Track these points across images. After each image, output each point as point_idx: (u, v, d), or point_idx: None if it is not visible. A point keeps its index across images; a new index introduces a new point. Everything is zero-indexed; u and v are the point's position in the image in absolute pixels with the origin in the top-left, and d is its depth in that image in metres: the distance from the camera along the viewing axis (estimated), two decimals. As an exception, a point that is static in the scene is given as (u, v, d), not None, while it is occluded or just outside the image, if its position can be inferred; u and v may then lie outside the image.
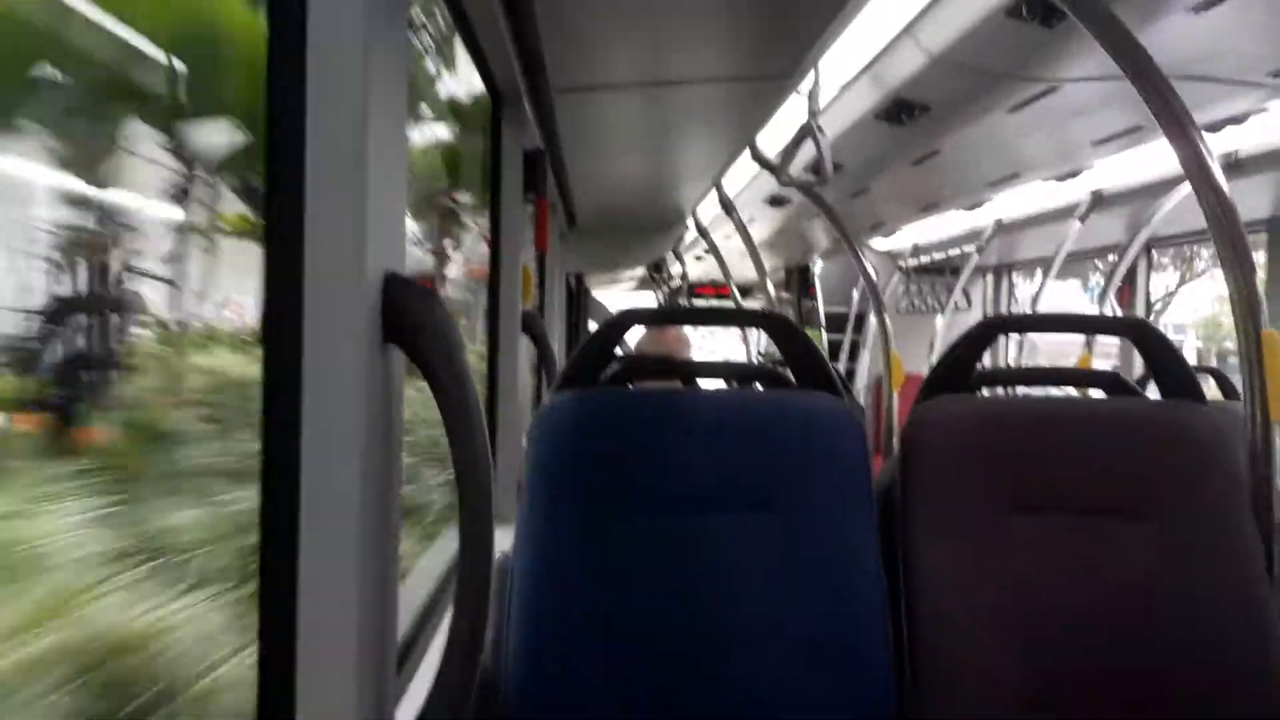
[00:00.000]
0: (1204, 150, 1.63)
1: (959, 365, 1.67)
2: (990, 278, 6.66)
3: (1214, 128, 2.92)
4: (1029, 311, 5.02)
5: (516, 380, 2.36)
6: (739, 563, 1.40)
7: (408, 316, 0.88)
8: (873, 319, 4.90)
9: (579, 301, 7.83)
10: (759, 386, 1.99)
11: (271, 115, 0.86)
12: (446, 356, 0.89)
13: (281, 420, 0.86)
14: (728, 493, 1.42)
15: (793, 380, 1.63)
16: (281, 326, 0.86)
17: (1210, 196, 1.62)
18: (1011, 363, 6.03)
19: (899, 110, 2.79)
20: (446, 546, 2.12)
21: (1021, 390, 3.34)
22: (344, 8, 0.84)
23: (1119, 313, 4.86)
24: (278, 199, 0.86)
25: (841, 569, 1.40)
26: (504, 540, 1.45)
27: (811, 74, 2.55)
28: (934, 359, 5.85)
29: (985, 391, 1.74)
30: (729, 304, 9.99)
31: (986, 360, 6.18)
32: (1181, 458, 1.49)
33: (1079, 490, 1.48)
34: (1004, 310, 6.57)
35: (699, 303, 11.96)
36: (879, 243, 6.68)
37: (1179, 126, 1.64)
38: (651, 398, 1.52)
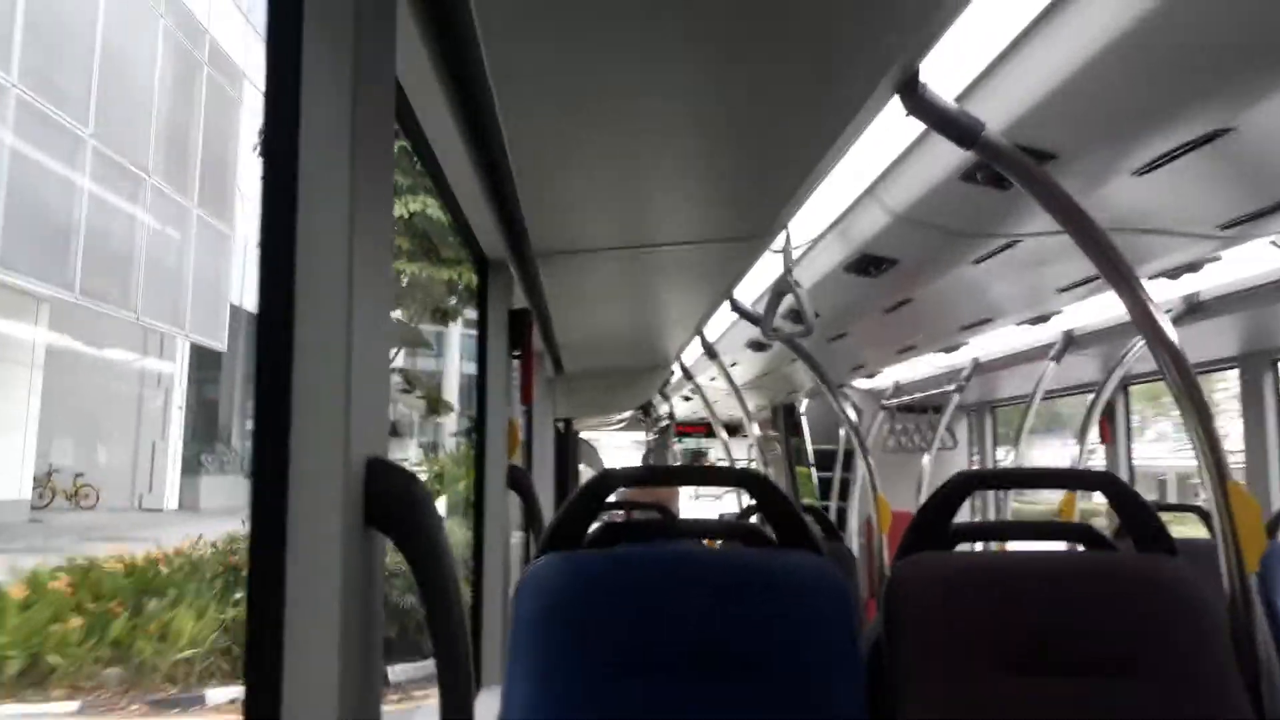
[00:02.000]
0: (1149, 302, 1.72)
1: (937, 519, 1.70)
2: (974, 416, 6.73)
3: (1172, 274, 3.04)
4: (1013, 456, 5.07)
5: (502, 539, 2.36)
6: None
7: (390, 500, 0.92)
8: (859, 460, 4.94)
9: (568, 446, 7.84)
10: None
11: (262, 303, 0.92)
12: (427, 539, 0.91)
13: (266, 603, 0.89)
14: (714, 655, 1.42)
15: (774, 539, 1.66)
16: (267, 509, 0.89)
17: (1159, 347, 1.69)
18: (999, 501, 6.03)
19: (867, 264, 2.91)
20: None
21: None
22: (330, 200, 0.90)
23: (1100, 448, 4.91)
24: (266, 384, 0.90)
25: None
26: (492, 700, 1.44)
27: (784, 233, 2.67)
28: (921, 499, 5.86)
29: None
30: (714, 443, 10.00)
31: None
32: (1158, 611, 1.50)
33: (1059, 645, 1.49)
34: (989, 448, 6.62)
35: (686, 441, 11.99)
36: (862, 382, 6.78)
37: (1124, 280, 1.73)
38: (635, 560, 1.53)
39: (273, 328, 0.90)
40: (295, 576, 0.88)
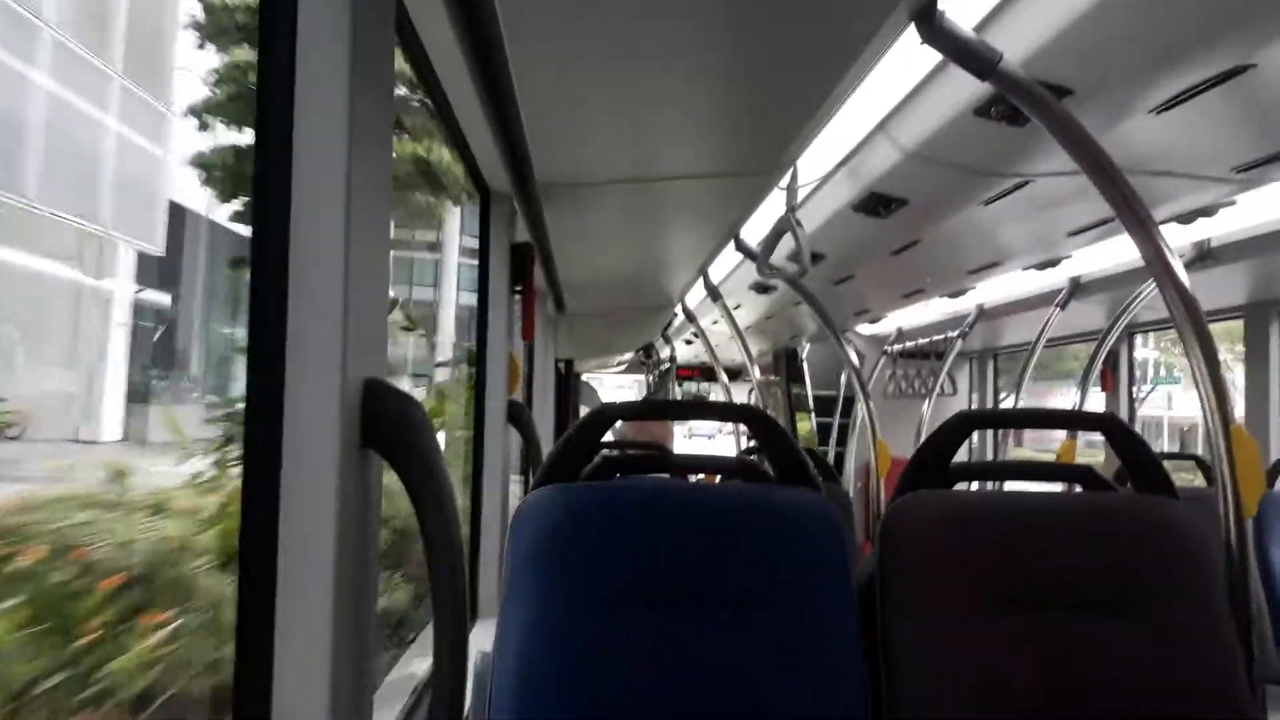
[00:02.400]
0: (1164, 245, 1.69)
1: (936, 459, 1.69)
2: (975, 363, 6.72)
3: (1185, 219, 3.00)
4: (1014, 399, 5.07)
5: (500, 473, 2.37)
6: (721, 659, 1.40)
7: (386, 421, 0.90)
8: (860, 404, 4.93)
9: (568, 387, 7.85)
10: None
11: (256, 219, 0.90)
12: (424, 461, 0.90)
13: (259, 521, 0.88)
14: (708, 589, 1.43)
15: (772, 475, 1.65)
16: (262, 428, 0.88)
17: (1172, 291, 1.66)
18: (997, 445, 6.05)
19: (876, 203, 2.87)
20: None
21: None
22: (329, 119, 0.88)
23: (1102, 397, 4.90)
24: (261, 303, 0.88)
25: (821, 665, 1.40)
26: (487, 632, 1.45)
27: (790, 169, 2.62)
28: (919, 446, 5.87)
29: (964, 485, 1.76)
30: (716, 387, 10.02)
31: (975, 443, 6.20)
32: (1155, 553, 1.50)
33: (1055, 585, 1.49)
34: (989, 395, 6.62)
35: (686, 385, 12.01)
36: (865, 328, 6.76)
37: (1139, 222, 1.70)
38: (632, 493, 1.53)
39: (268, 245, 0.88)
40: (290, 496, 0.87)
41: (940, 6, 1.59)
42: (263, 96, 0.87)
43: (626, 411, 1.70)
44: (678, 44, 1.67)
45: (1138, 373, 5.25)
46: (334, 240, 0.87)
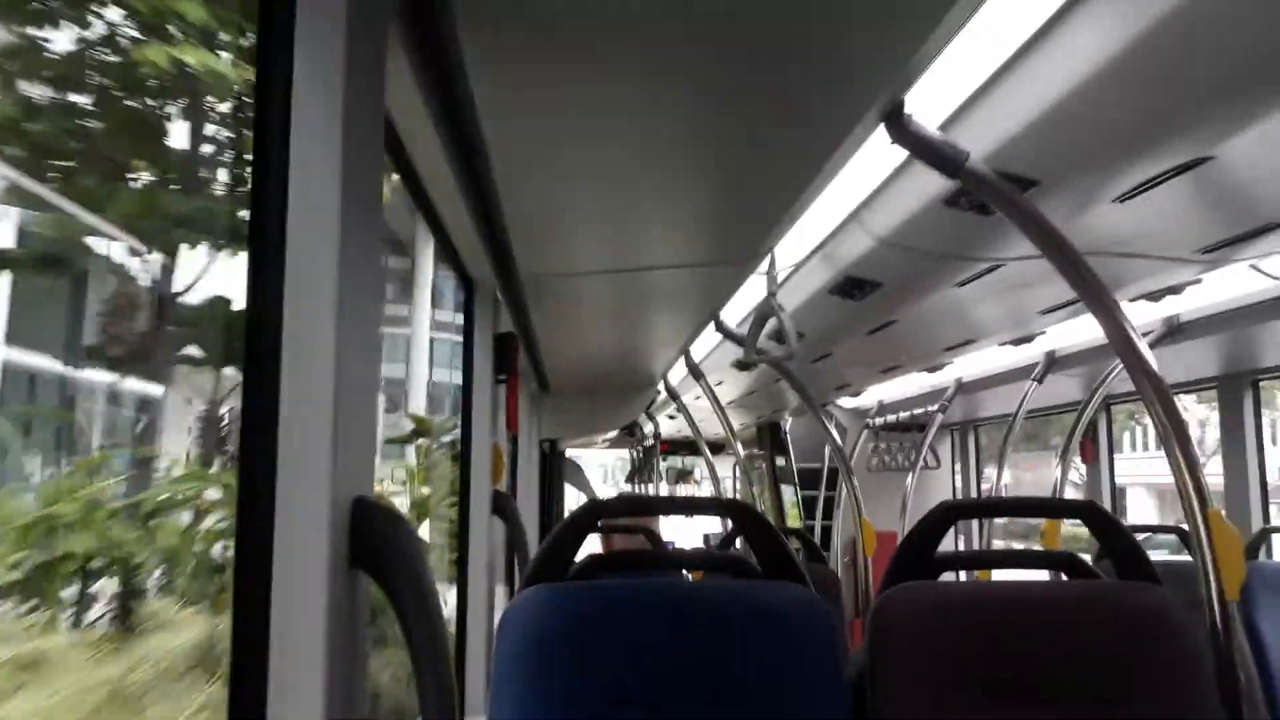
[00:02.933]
0: (1127, 326, 1.74)
1: (920, 550, 1.70)
2: (957, 435, 6.76)
3: (1154, 296, 3.07)
4: (997, 473, 5.09)
5: (486, 567, 2.35)
6: None
7: (375, 541, 0.91)
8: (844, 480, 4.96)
9: (552, 466, 7.83)
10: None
11: (250, 338, 0.91)
12: (413, 582, 0.90)
13: (250, 643, 0.87)
14: (700, 689, 1.42)
15: (759, 569, 1.65)
16: (253, 548, 0.88)
17: (1138, 370, 1.71)
18: (983, 525, 6.05)
19: (851, 287, 2.93)
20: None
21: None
22: (319, 233, 0.90)
23: (1083, 468, 4.94)
24: (253, 422, 0.89)
25: None
26: None
27: (769, 256, 2.68)
28: (906, 520, 5.87)
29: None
30: (699, 461, 10.00)
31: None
32: (1141, 640, 1.51)
33: (1044, 674, 1.50)
34: (972, 467, 6.64)
35: (670, 459, 11.99)
36: (847, 401, 6.80)
37: (1102, 305, 1.75)
38: (621, 593, 1.53)
39: (260, 364, 0.89)
40: (280, 617, 0.87)
41: (908, 107, 1.65)
42: (256, 214, 0.89)
43: (613, 509, 1.71)
44: (659, 141, 1.73)
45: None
46: (325, 362, 0.88)
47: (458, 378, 2.51)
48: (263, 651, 0.86)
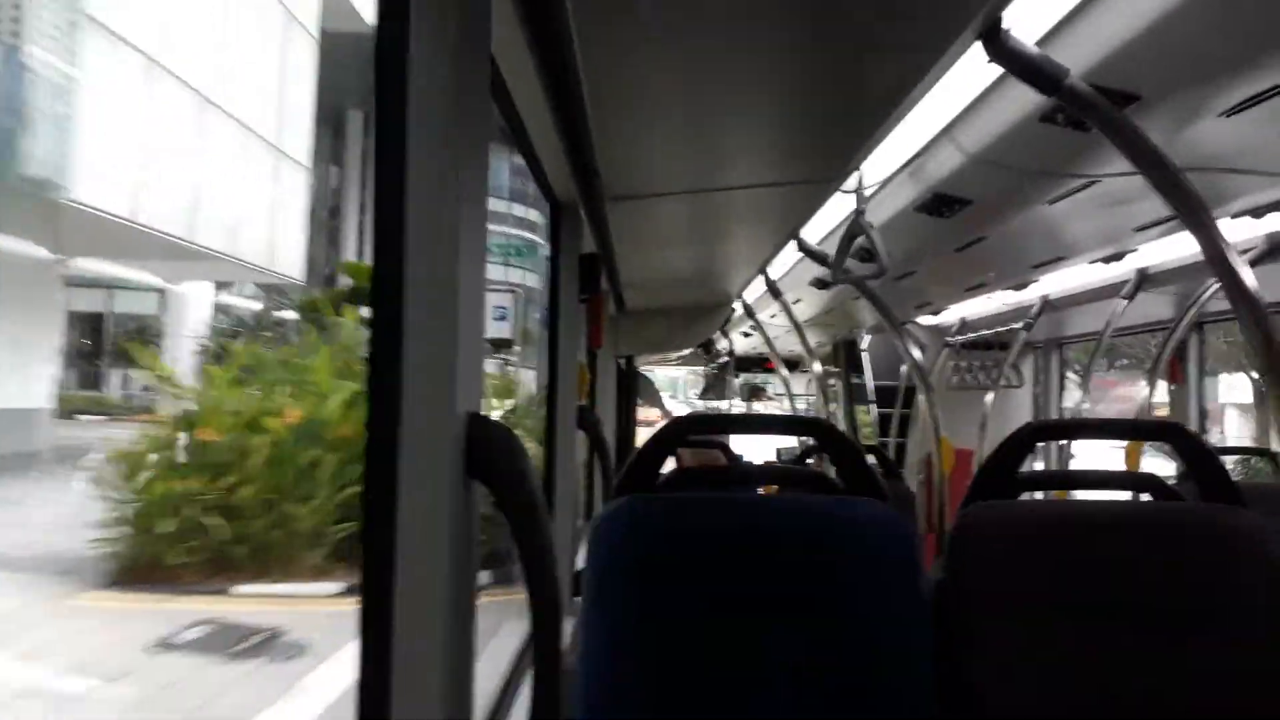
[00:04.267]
0: (1224, 245, 1.70)
1: (1002, 470, 1.71)
2: (1040, 354, 6.64)
3: (1257, 213, 2.95)
4: (1083, 393, 5.00)
5: (572, 477, 2.44)
6: (797, 666, 1.45)
7: (488, 452, 0.97)
8: (921, 398, 4.93)
9: (629, 383, 7.93)
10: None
11: (376, 274, 0.97)
12: (523, 489, 0.97)
13: (379, 543, 0.95)
14: (784, 600, 1.48)
15: (839, 485, 1.69)
16: (381, 460, 0.95)
17: (1234, 288, 1.67)
18: (1062, 449, 5.96)
19: (940, 204, 2.88)
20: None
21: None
22: (437, 194, 0.95)
23: (1167, 389, 4.82)
24: (380, 348, 0.96)
25: (895, 673, 1.44)
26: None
27: (856, 174, 2.65)
28: (984, 438, 5.82)
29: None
30: (773, 378, 10.00)
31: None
32: (1223, 563, 1.51)
33: (1123, 596, 1.51)
34: (1055, 387, 6.53)
35: (744, 376, 12.01)
36: (927, 319, 6.71)
37: (1200, 224, 1.71)
38: (708, 506, 1.59)
39: (386, 295, 0.95)
40: (405, 521, 0.95)
41: (1006, 23, 1.61)
42: (380, 163, 0.94)
43: (696, 425, 1.76)
44: (745, 58, 1.72)
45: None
46: (446, 288, 0.94)
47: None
48: (390, 554, 0.94)
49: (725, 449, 3.88)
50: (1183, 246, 3.63)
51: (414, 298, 0.95)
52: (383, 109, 0.94)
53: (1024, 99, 2.08)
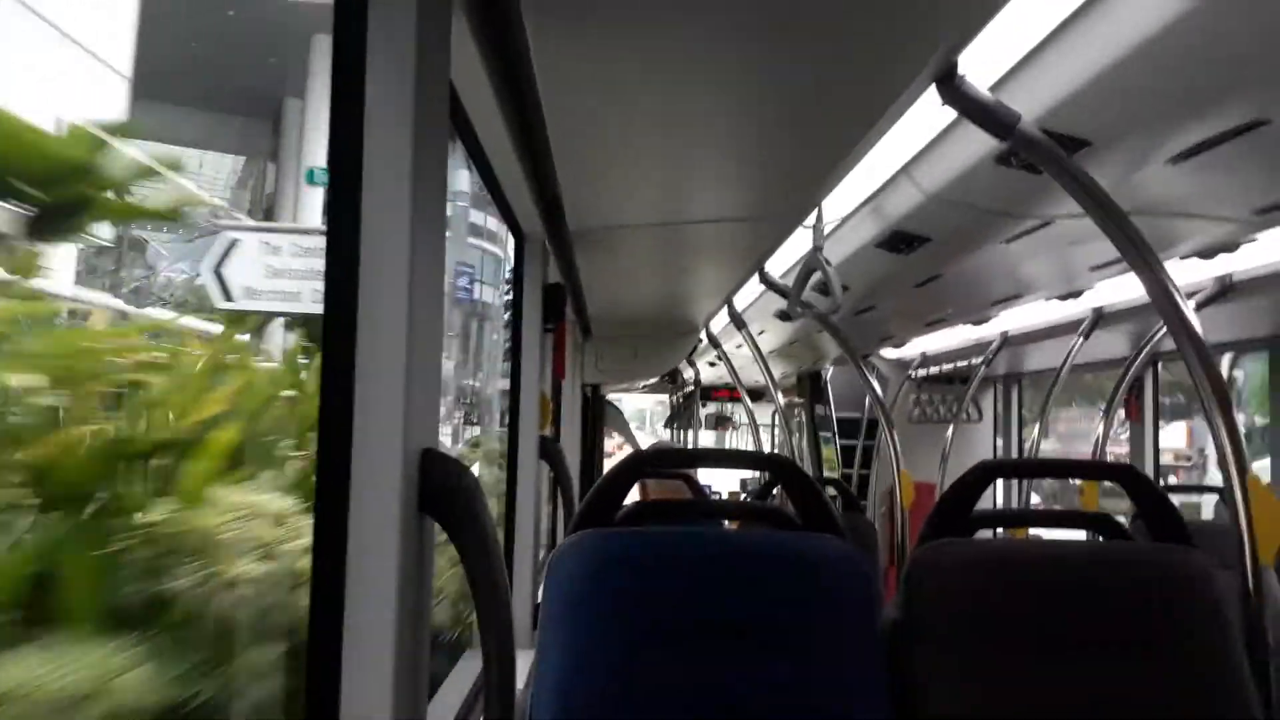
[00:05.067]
0: (1172, 288, 1.75)
1: (957, 507, 1.74)
2: (1000, 388, 6.73)
3: (1205, 254, 3.03)
4: (1038, 428, 5.08)
5: (533, 510, 2.43)
6: (752, 700, 1.46)
7: (442, 489, 0.97)
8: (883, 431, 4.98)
9: (595, 412, 7.92)
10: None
11: (328, 306, 0.97)
12: (476, 527, 0.97)
13: (328, 581, 0.95)
14: (740, 634, 1.48)
15: (798, 521, 1.71)
16: (330, 496, 0.95)
17: (1181, 333, 1.72)
18: (1021, 484, 6.03)
19: (899, 241, 2.93)
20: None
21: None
22: (391, 221, 0.95)
23: (1126, 425, 4.91)
24: (331, 381, 0.96)
25: (849, 710, 1.45)
26: (521, 664, 1.51)
27: (816, 210, 2.69)
28: (945, 472, 5.88)
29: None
30: (739, 407, 10.05)
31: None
32: (1172, 601, 1.54)
33: (1076, 632, 1.54)
34: (1014, 422, 6.62)
35: (709, 406, 12.06)
36: (889, 351, 6.79)
37: (1147, 266, 1.76)
38: (666, 539, 1.59)
39: (337, 330, 0.95)
40: (355, 558, 0.94)
41: (961, 69, 1.65)
42: (333, 189, 0.95)
43: (659, 460, 1.76)
44: (711, 98, 1.75)
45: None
46: (397, 320, 0.94)
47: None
48: (339, 590, 0.94)
49: (689, 479, 3.89)
50: (1137, 286, 3.70)
51: (367, 331, 0.95)
52: (338, 132, 0.94)
53: (980, 141, 2.13)
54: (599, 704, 1.44)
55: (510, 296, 2.58)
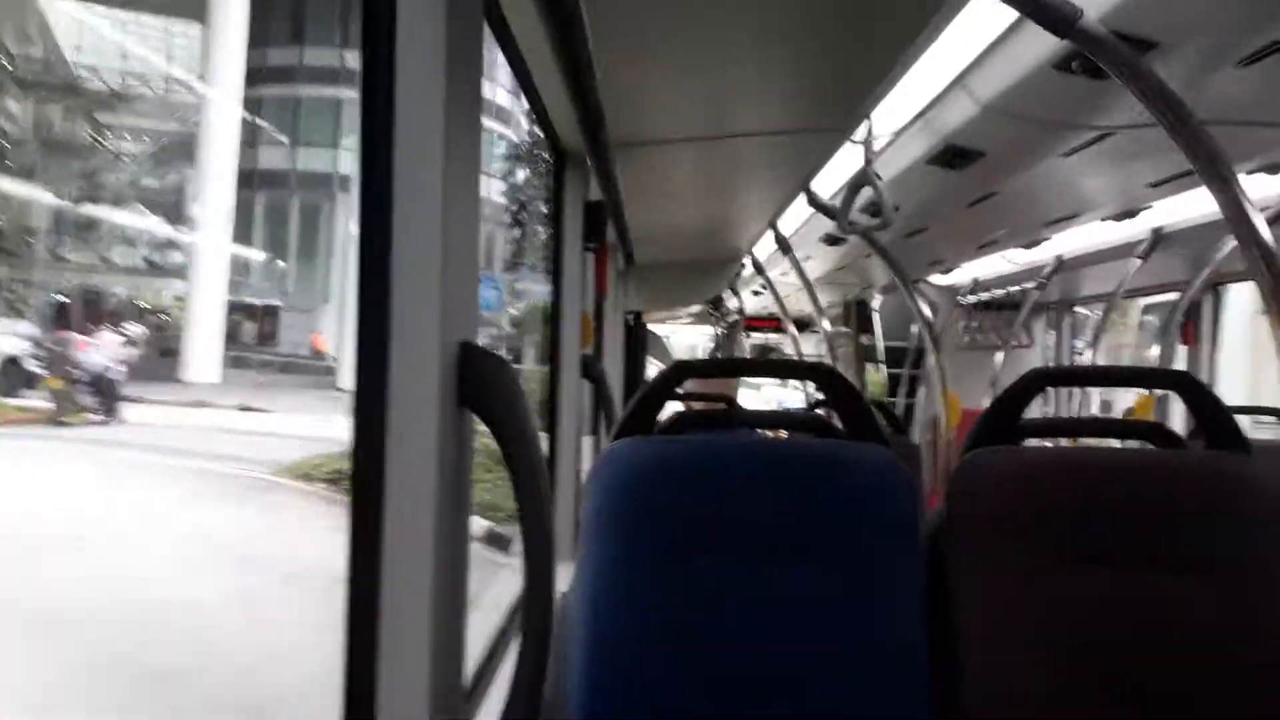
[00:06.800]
0: (1244, 200, 1.67)
1: (1005, 416, 1.70)
2: (1052, 314, 6.59)
3: (1273, 169, 2.91)
4: (1092, 353, 4.97)
5: (575, 424, 2.44)
6: (790, 605, 1.46)
7: (481, 382, 0.97)
8: (931, 357, 4.91)
9: (637, 339, 7.92)
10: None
11: (362, 197, 0.96)
12: (515, 420, 0.97)
13: (368, 474, 0.95)
14: (779, 540, 1.48)
15: (841, 429, 1.69)
16: (369, 388, 0.95)
17: (1251, 246, 1.65)
18: (1075, 400, 5.94)
19: (952, 156, 2.84)
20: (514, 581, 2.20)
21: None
22: (425, 117, 0.93)
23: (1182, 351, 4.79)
24: (367, 274, 0.95)
25: (887, 614, 1.45)
26: (562, 576, 1.53)
27: (865, 123, 2.61)
28: (994, 397, 5.80)
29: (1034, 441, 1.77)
30: (784, 339, 9.99)
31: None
32: (1226, 508, 1.50)
33: (1124, 541, 1.50)
34: (1066, 348, 6.49)
35: (754, 336, 11.99)
36: (938, 278, 6.67)
37: (1218, 176, 1.68)
38: (706, 447, 1.58)
39: (372, 222, 0.94)
40: (395, 452, 0.95)
41: (1019, -39, 1.57)
42: (366, 85, 0.93)
43: (700, 369, 1.75)
44: (753, 2, 1.69)
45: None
46: (432, 217, 0.93)
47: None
48: (379, 483, 0.94)
49: (731, 402, 3.87)
50: (1197, 205, 3.58)
51: (402, 221, 0.94)
52: (370, 25, 0.92)
53: (1038, 45, 2.04)
54: (635, 608, 1.45)
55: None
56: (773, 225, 4.24)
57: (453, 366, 0.96)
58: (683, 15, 1.74)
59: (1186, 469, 1.57)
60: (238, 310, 21.65)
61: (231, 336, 20.39)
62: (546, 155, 2.48)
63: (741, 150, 2.62)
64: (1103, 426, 1.97)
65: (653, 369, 10.80)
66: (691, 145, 2.54)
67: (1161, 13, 1.76)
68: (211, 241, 18.84)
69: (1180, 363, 4.77)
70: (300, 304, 23.39)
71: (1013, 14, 1.96)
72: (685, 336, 15.78)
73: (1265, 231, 1.79)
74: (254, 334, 23.32)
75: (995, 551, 1.52)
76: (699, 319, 13.01)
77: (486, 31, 1.55)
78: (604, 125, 2.19)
